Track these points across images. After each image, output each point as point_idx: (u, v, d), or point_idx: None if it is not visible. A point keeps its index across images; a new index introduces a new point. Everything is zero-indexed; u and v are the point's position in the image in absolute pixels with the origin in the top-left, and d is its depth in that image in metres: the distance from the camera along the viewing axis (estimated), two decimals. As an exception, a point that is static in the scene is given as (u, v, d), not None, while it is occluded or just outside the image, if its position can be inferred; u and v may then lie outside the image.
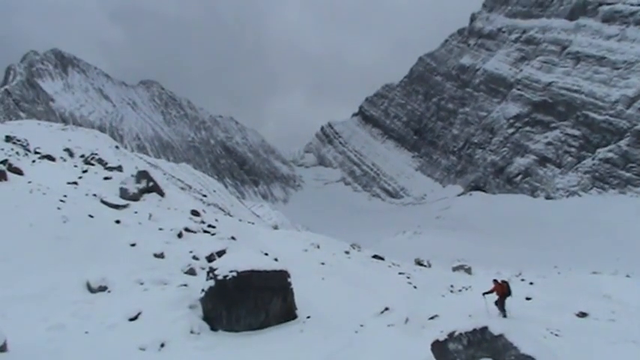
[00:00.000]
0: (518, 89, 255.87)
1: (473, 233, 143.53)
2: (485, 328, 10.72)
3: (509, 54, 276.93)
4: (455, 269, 44.30)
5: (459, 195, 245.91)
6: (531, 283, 33.09)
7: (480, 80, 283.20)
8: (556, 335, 15.69)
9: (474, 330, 10.83)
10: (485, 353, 10.41)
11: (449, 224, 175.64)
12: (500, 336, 10.41)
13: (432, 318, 16.73)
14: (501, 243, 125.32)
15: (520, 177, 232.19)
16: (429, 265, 45.19)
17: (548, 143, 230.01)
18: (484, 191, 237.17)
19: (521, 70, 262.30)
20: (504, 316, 18.14)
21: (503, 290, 18.55)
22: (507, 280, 19.60)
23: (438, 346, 11.30)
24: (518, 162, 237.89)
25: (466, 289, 28.16)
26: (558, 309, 21.24)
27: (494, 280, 19.74)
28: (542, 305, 22.29)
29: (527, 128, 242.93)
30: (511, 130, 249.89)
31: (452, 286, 28.60)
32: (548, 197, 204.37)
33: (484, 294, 19.19)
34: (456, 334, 11.04)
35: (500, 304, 18.53)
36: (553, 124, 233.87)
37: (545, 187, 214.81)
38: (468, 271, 44.23)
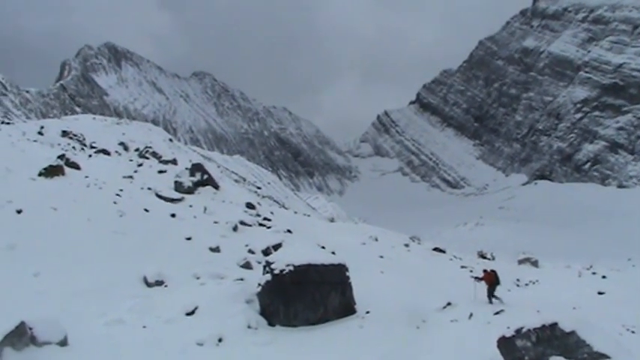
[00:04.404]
0: (586, 72, 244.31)
1: (539, 224, 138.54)
2: (555, 324, 10.24)
3: (575, 35, 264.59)
4: (520, 262, 42.58)
5: (523, 184, 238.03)
6: (604, 277, 31.49)
7: (544, 63, 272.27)
8: (632, 332, 14.94)
9: (543, 326, 10.34)
10: (555, 351, 9.92)
11: (513, 215, 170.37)
12: (572, 333, 9.95)
13: (497, 313, 16.08)
14: (570, 234, 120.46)
15: (589, 164, 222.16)
16: (493, 258, 43.84)
17: (620, 128, 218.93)
18: (550, 180, 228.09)
19: (589, 52, 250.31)
20: (490, 302, 18.40)
21: (491, 279, 18.90)
22: (495, 270, 19.85)
23: (504, 343, 10.79)
24: (587, 149, 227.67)
25: (533, 283, 27.50)
26: (634, 304, 20.20)
27: (484, 270, 20.33)
28: (616, 300, 21.34)
29: (597, 113, 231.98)
30: (579, 115, 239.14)
31: (518, 279, 28.03)
32: (620, 186, 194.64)
33: (476, 279, 19.72)
34: (524, 330, 10.54)
35: (489, 292, 18.84)
36: (625, 108, 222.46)
37: (616, 174, 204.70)
38: (535, 264, 42.46)
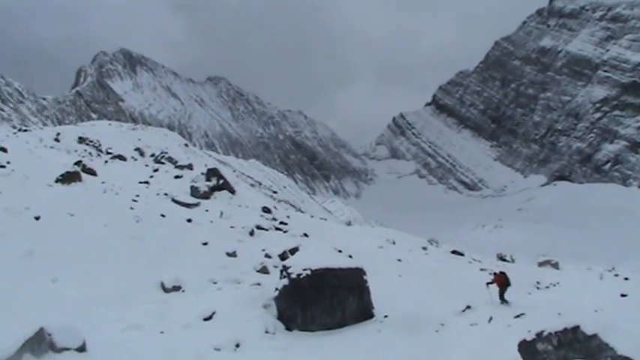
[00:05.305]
0: (605, 71, 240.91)
1: (559, 226, 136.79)
2: (577, 328, 10.06)
3: (593, 33, 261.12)
4: (541, 264, 41.89)
5: (542, 185, 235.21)
6: (626, 279, 30.63)
7: (562, 63, 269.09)
8: (656, 335, 14.25)
9: (565, 329, 10.18)
10: (577, 354, 9.76)
11: (532, 217, 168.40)
12: (594, 336, 9.75)
13: (517, 316, 15.84)
14: (591, 236, 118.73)
15: (609, 165, 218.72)
16: (513, 261, 43.20)
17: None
18: (570, 181, 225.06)
19: (607, 50, 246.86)
20: (507, 304, 18.40)
21: (502, 281, 18.98)
22: (505, 272, 20.05)
23: (525, 347, 10.67)
24: (607, 149, 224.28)
25: (554, 286, 26.93)
26: (657, 307, 19.40)
27: (494, 273, 20.87)
28: (639, 302, 20.50)
29: (616, 112, 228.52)
30: (598, 115, 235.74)
31: (538, 282, 27.49)
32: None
33: (487, 284, 19.67)
34: (545, 333, 10.41)
35: (500, 294, 18.85)
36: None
37: (637, 174, 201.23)
38: (555, 266, 41.74)
